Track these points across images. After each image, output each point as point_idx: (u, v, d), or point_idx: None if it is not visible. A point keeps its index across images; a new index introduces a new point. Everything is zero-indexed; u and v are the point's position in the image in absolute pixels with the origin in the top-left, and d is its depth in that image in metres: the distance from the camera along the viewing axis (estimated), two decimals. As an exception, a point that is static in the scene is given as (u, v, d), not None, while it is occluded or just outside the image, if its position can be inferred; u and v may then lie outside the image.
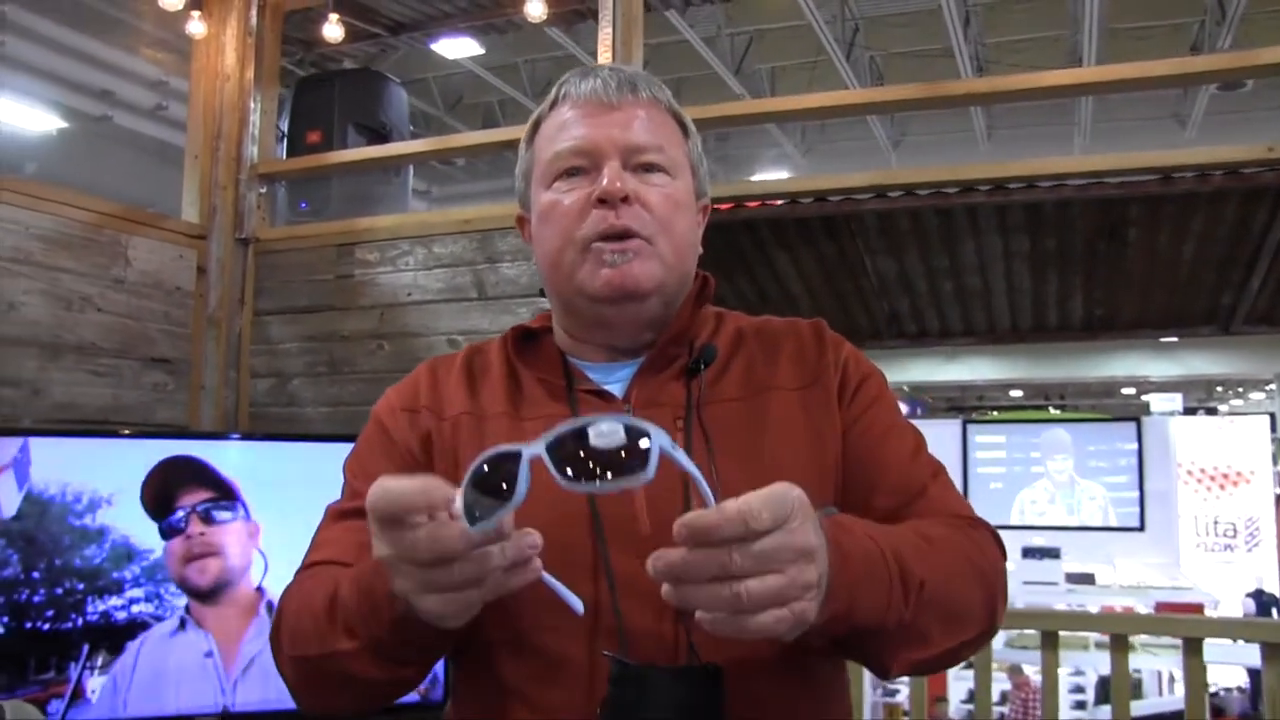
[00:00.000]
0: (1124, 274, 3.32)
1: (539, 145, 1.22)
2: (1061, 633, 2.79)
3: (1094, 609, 8.09)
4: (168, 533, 2.54)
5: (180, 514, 2.55)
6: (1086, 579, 9.46)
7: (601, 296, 1.14)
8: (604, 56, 3.18)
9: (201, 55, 3.64)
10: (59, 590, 2.41)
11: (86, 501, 2.47)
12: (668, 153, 1.19)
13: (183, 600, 2.51)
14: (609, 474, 0.82)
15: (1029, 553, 9.02)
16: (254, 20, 3.64)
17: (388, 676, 1.01)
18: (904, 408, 15.00)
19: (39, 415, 3.00)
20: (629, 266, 1.13)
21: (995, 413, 18.58)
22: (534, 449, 0.84)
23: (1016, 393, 20.64)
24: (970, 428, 10.11)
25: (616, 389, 1.18)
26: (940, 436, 10.04)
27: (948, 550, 1.04)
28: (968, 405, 21.23)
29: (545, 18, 3.24)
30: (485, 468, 0.86)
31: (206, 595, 2.53)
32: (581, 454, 0.83)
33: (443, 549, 0.85)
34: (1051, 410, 18.18)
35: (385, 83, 4.21)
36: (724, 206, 3.09)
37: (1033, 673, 8.02)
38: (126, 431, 3.07)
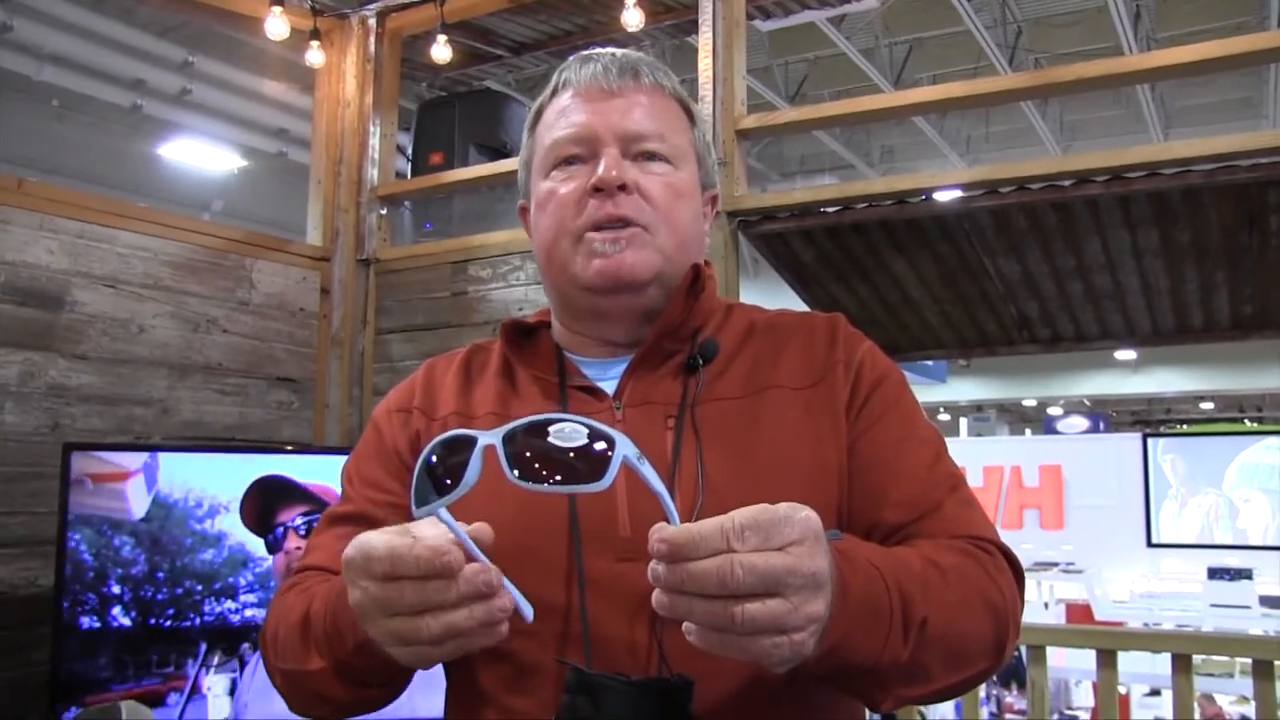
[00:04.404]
0: (1270, 266, 3.06)
1: (539, 133, 1.19)
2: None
3: (1294, 636, 7.50)
4: (271, 547, 2.64)
5: (280, 530, 2.65)
6: (1285, 602, 8.78)
7: (595, 286, 1.11)
8: (704, 63, 3.14)
9: (324, 83, 3.78)
10: (180, 590, 2.53)
11: (207, 508, 2.60)
12: (670, 140, 1.15)
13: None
14: (560, 476, 0.78)
15: (1216, 573, 8.43)
16: (373, 47, 3.75)
17: (352, 697, 1.00)
18: (1083, 422, 14.43)
19: (168, 432, 3.14)
20: (622, 256, 1.10)
21: (1183, 426, 17.52)
22: (490, 437, 0.81)
23: (1208, 405, 19.42)
24: (1152, 442, 9.52)
25: (610, 385, 1.13)
26: (1119, 451, 9.52)
27: (958, 581, 0.95)
28: (1154, 419, 20.12)
29: (643, 25, 3.22)
30: (440, 451, 0.84)
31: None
32: (538, 451, 0.79)
33: (430, 601, 0.83)
34: (1247, 423, 17.02)
35: (506, 102, 4.28)
36: (830, 210, 3.00)
37: (1227, 703, 7.51)
38: (287, 446, 3.20)
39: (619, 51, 1.20)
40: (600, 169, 1.10)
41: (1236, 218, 2.78)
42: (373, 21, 3.76)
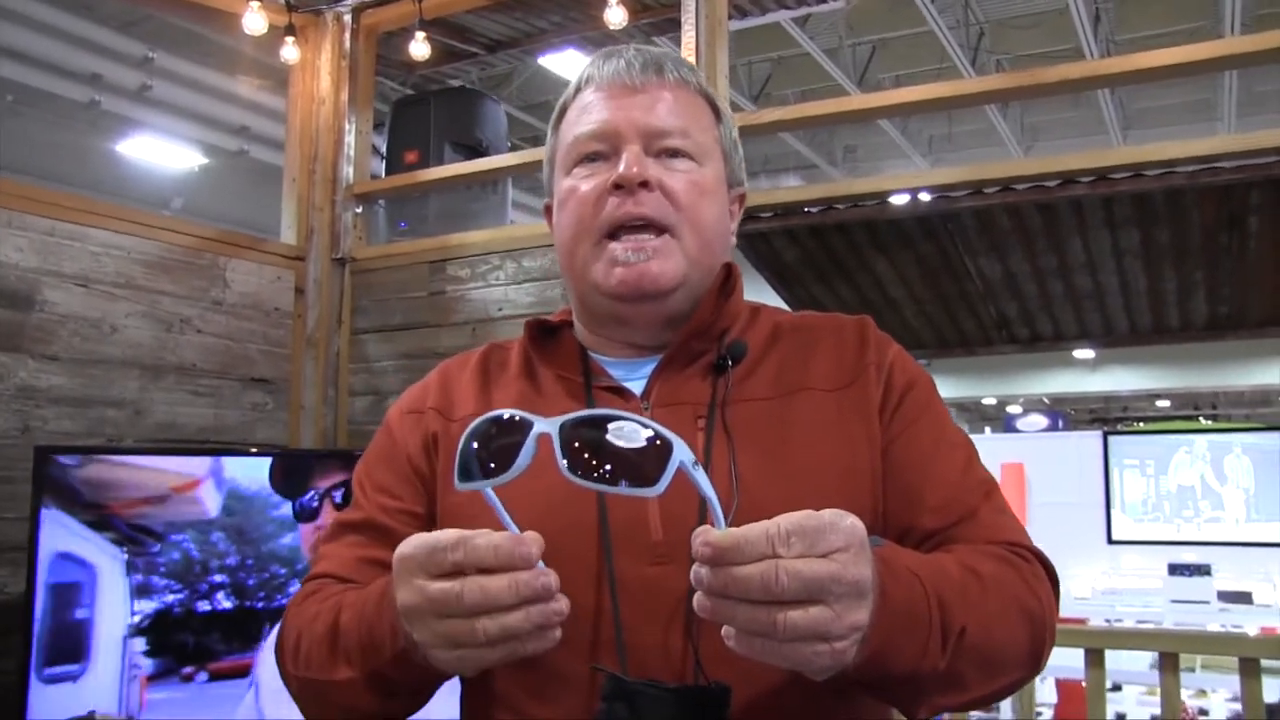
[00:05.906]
0: (1249, 267, 3.09)
1: (563, 130, 1.17)
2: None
3: (1252, 630, 7.62)
4: (302, 515, 2.70)
5: (312, 494, 2.71)
6: (1242, 598, 8.91)
7: (616, 294, 1.09)
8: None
9: (298, 80, 3.72)
10: (266, 575, 2.71)
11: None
12: (694, 137, 1.13)
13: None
14: (615, 476, 0.76)
15: (1176, 569, 8.55)
16: (348, 44, 3.70)
17: (378, 707, 0.98)
18: (1043, 420, 14.57)
19: (141, 435, 3.08)
20: (646, 265, 1.08)
21: (1141, 424, 17.76)
22: (546, 425, 0.80)
23: (1164, 403, 19.74)
24: (1112, 440, 9.62)
25: (637, 386, 1.12)
26: (1080, 450, 9.61)
27: (995, 590, 0.94)
28: (1112, 417, 20.41)
29: (626, 24, 3.19)
30: (490, 429, 0.82)
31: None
32: (594, 446, 0.77)
33: (490, 601, 0.80)
34: (1202, 421, 17.30)
35: (482, 100, 4.24)
36: (814, 210, 2.99)
37: (1188, 696, 7.61)
38: (252, 449, 3.15)
39: (644, 47, 1.18)
40: (621, 166, 1.08)
41: (1217, 219, 2.80)
42: (348, 18, 3.71)
